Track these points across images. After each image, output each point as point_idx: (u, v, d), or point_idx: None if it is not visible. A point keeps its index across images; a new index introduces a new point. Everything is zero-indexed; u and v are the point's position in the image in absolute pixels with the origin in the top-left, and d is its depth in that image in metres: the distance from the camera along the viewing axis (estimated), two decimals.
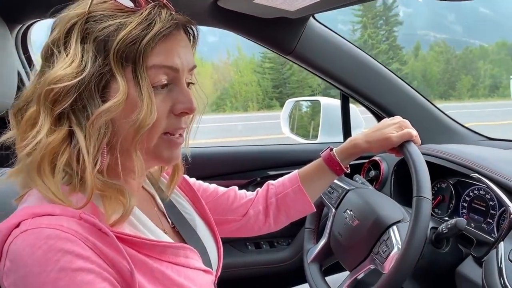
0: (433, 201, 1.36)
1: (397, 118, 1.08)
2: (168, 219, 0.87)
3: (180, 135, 0.76)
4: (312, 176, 1.11)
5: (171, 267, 0.71)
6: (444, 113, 1.58)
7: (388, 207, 1.11)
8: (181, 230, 0.87)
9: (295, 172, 1.13)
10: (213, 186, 1.11)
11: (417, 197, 0.92)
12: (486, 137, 1.61)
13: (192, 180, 1.05)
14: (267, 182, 1.15)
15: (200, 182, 1.09)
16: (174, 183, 0.90)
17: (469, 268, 1.08)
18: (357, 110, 1.75)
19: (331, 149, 1.10)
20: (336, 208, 1.24)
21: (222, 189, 1.12)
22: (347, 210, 1.17)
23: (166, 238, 0.77)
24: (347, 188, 1.24)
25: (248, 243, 1.64)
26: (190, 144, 0.82)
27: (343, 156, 1.09)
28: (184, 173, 0.92)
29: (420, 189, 0.93)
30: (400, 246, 0.98)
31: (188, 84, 0.76)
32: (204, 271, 0.80)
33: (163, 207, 0.88)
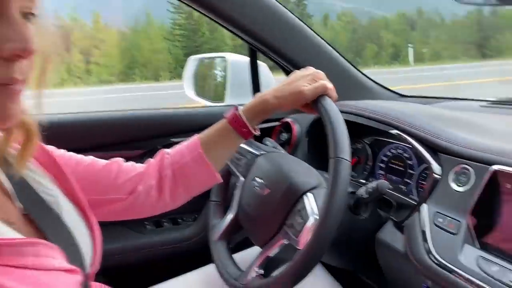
0: None
1: (310, 69, 0.92)
2: (19, 203, 0.64)
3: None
4: (215, 140, 0.93)
5: (11, 272, 0.50)
6: (358, 69, 1.47)
7: (302, 172, 0.97)
8: (37, 218, 0.64)
9: (195, 137, 0.94)
10: (89, 159, 0.88)
11: (335, 159, 0.78)
12: (400, 94, 1.54)
13: (60, 152, 0.82)
14: (160, 151, 0.94)
15: (72, 154, 0.86)
16: (27, 155, 0.66)
17: (389, 234, 0.99)
18: (267, 69, 1.58)
19: (237, 109, 0.92)
20: (244, 177, 1.07)
21: (102, 161, 0.89)
22: (256, 178, 1.01)
23: (3, 231, 0.54)
24: (257, 153, 1.08)
25: (146, 223, 1.42)
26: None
27: (250, 115, 0.91)
28: (51, 144, 0.69)
29: (338, 149, 0.79)
30: (316, 216, 0.84)
31: (26, 14, 0.53)
32: (67, 270, 0.59)
33: (10, 187, 0.64)
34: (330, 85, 0.88)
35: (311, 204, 0.87)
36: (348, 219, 0.96)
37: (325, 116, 0.83)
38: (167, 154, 0.94)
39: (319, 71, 0.91)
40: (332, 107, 0.84)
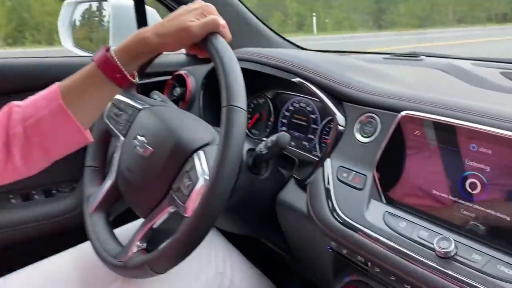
0: (249, 120, 1.13)
1: (198, 3, 0.76)
2: None
3: None
4: (81, 89, 0.74)
5: None
6: (257, 17, 1.34)
7: (194, 128, 0.82)
8: None
9: (55, 85, 0.74)
10: None
11: (228, 107, 0.65)
12: (301, 47, 1.44)
13: None
14: (8, 104, 0.73)
15: None
16: None
17: (292, 193, 0.89)
18: (157, 15, 1.37)
19: (108, 49, 0.74)
20: (125, 136, 0.90)
21: None
22: (138, 136, 0.84)
23: None
24: (140, 107, 0.90)
25: (11, 196, 1.18)
26: None
27: (125, 57, 0.74)
28: None
29: (231, 96, 0.65)
30: (207, 177, 0.71)
31: None
32: None
33: None
34: (222, 21, 0.73)
35: (201, 163, 0.74)
36: (247, 179, 0.85)
37: (216, 57, 0.69)
38: (17, 107, 0.73)
39: (209, 4, 0.76)
40: (224, 47, 0.70)
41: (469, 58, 1.15)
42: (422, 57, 1.18)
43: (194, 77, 1.22)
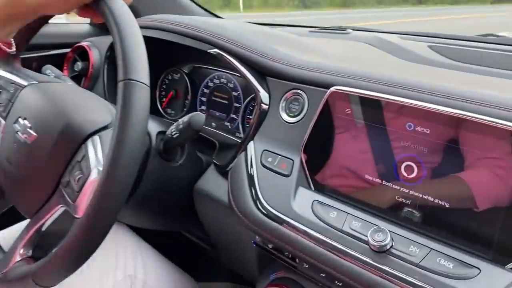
0: (163, 98, 1.01)
1: None
2: None
3: None
4: None
5: None
6: None
7: (90, 108, 0.69)
8: None
9: None
10: None
11: (125, 82, 0.53)
12: (220, 17, 1.32)
13: None
14: None
15: None
16: None
17: (211, 181, 0.79)
18: None
19: None
20: (5, 119, 0.74)
21: None
22: (19, 119, 0.69)
23: None
24: (24, 83, 0.74)
25: None
26: None
27: None
28: None
29: (129, 68, 0.53)
30: (101, 168, 0.58)
31: None
32: None
33: None
34: None
35: (96, 151, 0.61)
36: (157, 167, 0.73)
37: (111, 20, 0.56)
38: None
39: None
40: (121, 9, 0.57)
41: (396, 32, 1.11)
42: (349, 30, 1.12)
43: (98, 49, 1.06)
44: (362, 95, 0.59)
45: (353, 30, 1.14)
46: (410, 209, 0.55)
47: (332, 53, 0.83)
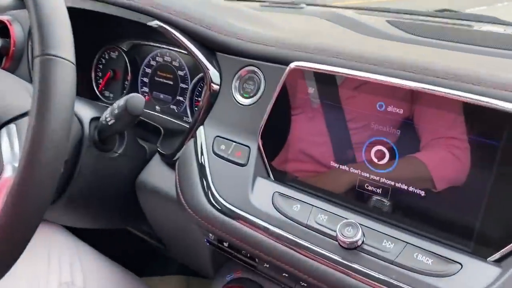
0: (100, 80, 0.89)
1: None
2: None
3: None
4: None
5: None
6: None
7: (7, 92, 0.57)
8: None
9: None
10: None
11: (42, 58, 0.43)
12: None
13: None
14: None
15: None
16: None
17: (156, 173, 0.71)
18: None
19: None
20: None
21: None
22: None
23: None
24: None
25: None
26: None
27: None
28: None
29: (47, 41, 0.43)
30: (16, 164, 0.48)
31: None
32: None
33: None
34: None
35: (12, 143, 0.50)
36: (93, 159, 0.64)
37: None
38: None
39: None
40: None
41: (352, 7, 1.05)
42: (303, 5, 1.05)
43: (21, 24, 0.92)
44: (327, 72, 0.52)
45: (307, 5, 1.07)
46: (383, 200, 0.49)
47: (288, 27, 0.75)
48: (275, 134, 0.56)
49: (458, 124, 0.44)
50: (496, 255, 0.43)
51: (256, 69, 0.60)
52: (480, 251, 0.44)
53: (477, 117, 0.43)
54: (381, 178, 0.49)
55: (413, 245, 0.46)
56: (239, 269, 0.65)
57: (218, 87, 0.63)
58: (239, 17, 0.72)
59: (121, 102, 0.59)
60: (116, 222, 0.81)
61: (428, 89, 0.45)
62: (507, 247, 0.42)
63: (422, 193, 0.46)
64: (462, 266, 0.44)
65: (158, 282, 1.14)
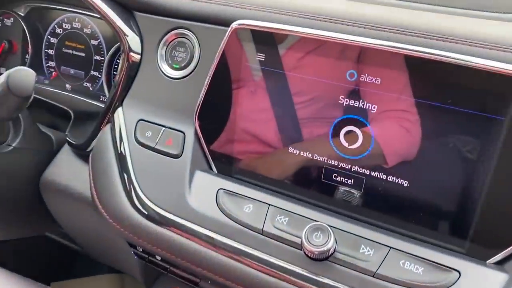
0: None
1: None
2: None
3: None
4: None
5: None
6: None
7: None
8: None
9: None
10: None
11: None
12: None
13: None
14: None
15: None
16: None
17: (64, 169, 0.58)
18: None
19: None
20: None
21: None
22: None
23: None
24: None
25: None
26: None
27: None
28: None
29: None
30: None
31: None
32: None
33: None
34: None
35: None
36: None
37: None
38: None
39: None
40: None
41: None
42: None
43: None
44: (279, 32, 0.40)
45: None
46: (352, 191, 0.39)
47: None
48: (216, 115, 0.44)
49: (407, 96, 0.37)
50: (497, 257, 0.35)
51: (188, 33, 0.47)
52: (476, 252, 0.36)
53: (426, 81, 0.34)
54: (353, 166, 0.39)
55: (398, 249, 0.37)
56: (177, 285, 0.53)
57: (139, 56, 0.50)
58: None
59: (1, 78, 0.43)
60: (20, 231, 0.65)
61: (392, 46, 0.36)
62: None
63: (405, 183, 0.37)
64: (460, 274, 0.35)
65: (90, 282, 1.01)
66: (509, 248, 0.35)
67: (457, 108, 0.34)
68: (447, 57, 0.34)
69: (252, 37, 0.42)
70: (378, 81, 0.37)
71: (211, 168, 0.45)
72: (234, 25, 0.42)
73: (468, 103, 0.34)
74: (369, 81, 0.37)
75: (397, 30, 0.38)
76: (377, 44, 0.37)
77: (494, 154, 0.34)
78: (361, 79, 0.37)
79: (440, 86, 0.35)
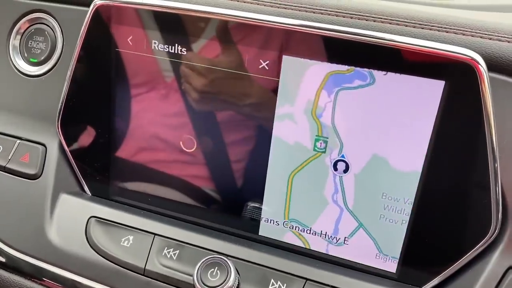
0: None
1: None
2: None
3: None
4: None
5: None
6: None
7: None
8: None
9: None
10: None
11: None
12: None
13: None
14: None
15: None
16: None
17: None
18: None
19: None
20: None
21: None
22: None
23: None
24: None
25: None
26: None
27: None
28: None
29: None
30: None
31: None
32: None
33: None
34: None
35: None
36: None
37: None
38: None
39: None
40: None
41: None
42: None
43: None
44: (156, 9, 0.31)
45: None
46: (256, 209, 0.31)
47: None
48: (85, 119, 0.35)
49: None
50: (432, 283, 0.29)
51: (47, 17, 0.38)
52: (410, 278, 0.29)
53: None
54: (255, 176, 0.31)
55: (316, 282, 0.29)
56: None
57: None
58: None
59: None
60: None
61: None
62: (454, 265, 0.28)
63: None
64: None
65: None
66: (443, 273, 0.29)
67: None
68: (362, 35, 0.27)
69: (124, 17, 0.33)
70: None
71: (83, 190, 0.35)
72: (97, 2, 0.33)
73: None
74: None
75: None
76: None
77: None
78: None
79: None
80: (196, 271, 0.29)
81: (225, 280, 0.29)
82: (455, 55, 0.26)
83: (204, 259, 0.30)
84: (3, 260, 0.33)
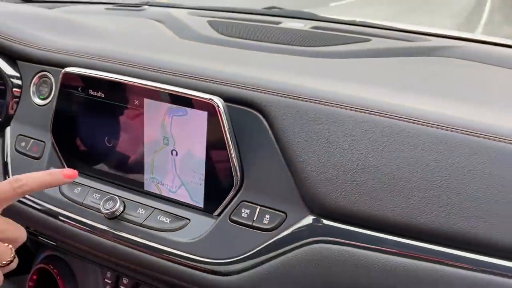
0: None
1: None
2: None
3: None
4: None
5: None
6: None
7: None
8: None
9: None
10: None
11: None
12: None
13: None
14: None
15: None
16: None
17: None
18: None
19: None
20: None
21: None
22: None
23: None
24: None
25: None
26: None
27: None
28: None
29: None
30: None
31: None
32: None
33: None
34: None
35: None
36: None
37: None
38: None
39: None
40: None
41: (189, 6, 1.17)
42: (145, 7, 1.16)
43: None
44: (94, 77, 0.62)
45: (150, 6, 1.18)
46: (141, 175, 0.62)
47: (104, 32, 0.85)
48: (63, 130, 0.67)
49: None
50: (218, 210, 0.57)
51: (48, 74, 0.71)
52: (208, 208, 0.58)
53: None
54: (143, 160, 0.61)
55: (159, 209, 0.60)
56: (49, 248, 0.76)
57: (19, 91, 0.73)
58: (54, 26, 0.81)
59: None
60: None
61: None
62: (223, 202, 0.57)
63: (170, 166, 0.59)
64: (190, 220, 0.58)
65: None
66: (221, 205, 0.57)
67: None
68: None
69: (81, 78, 0.64)
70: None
71: (63, 165, 0.68)
72: (63, 70, 0.65)
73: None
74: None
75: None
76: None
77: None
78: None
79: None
80: (102, 202, 0.61)
81: (114, 206, 0.60)
82: (202, 98, 0.55)
83: (107, 196, 0.61)
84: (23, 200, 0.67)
